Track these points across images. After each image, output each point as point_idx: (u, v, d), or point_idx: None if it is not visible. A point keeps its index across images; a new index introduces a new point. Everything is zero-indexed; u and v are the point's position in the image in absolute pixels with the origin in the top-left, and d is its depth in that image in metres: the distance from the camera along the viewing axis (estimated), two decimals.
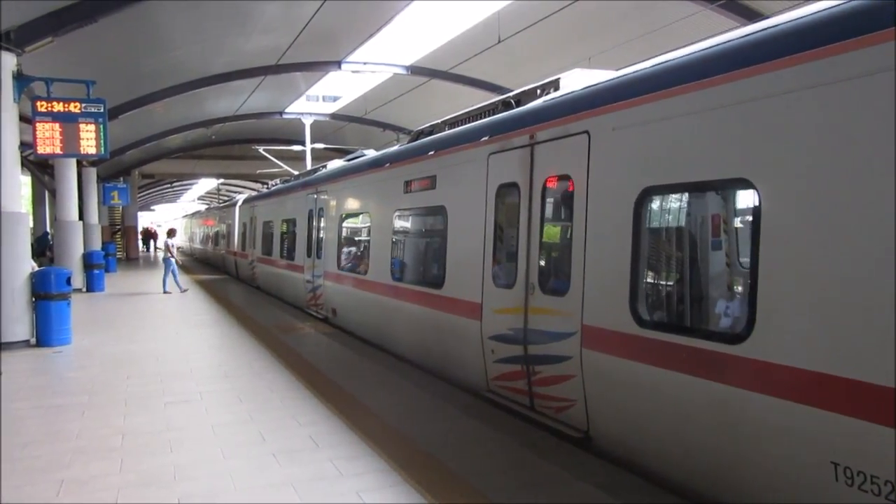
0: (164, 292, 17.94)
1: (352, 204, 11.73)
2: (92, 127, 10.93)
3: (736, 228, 4.63)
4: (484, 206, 6.88)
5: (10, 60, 9.92)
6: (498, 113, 7.44)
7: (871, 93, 3.30)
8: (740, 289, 4.55)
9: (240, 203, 25.19)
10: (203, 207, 52.98)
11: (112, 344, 10.18)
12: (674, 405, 4.37)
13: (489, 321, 6.63)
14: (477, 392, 6.89)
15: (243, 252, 22.75)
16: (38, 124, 10.64)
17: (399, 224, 9.40)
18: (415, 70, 20.55)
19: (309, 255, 13.86)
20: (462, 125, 8.26)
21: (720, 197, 4.59)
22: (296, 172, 20.84)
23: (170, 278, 18.27)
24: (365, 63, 20.03)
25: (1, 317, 9.71)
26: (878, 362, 3.14)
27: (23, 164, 12.31)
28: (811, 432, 3.46)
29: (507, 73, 19.45)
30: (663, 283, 5.01)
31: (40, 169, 24.55)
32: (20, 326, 9.94)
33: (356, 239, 11.75)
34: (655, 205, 4.89)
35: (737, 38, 4.35)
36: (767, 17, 4.52)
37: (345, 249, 11.94)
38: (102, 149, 11.06)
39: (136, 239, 41.95)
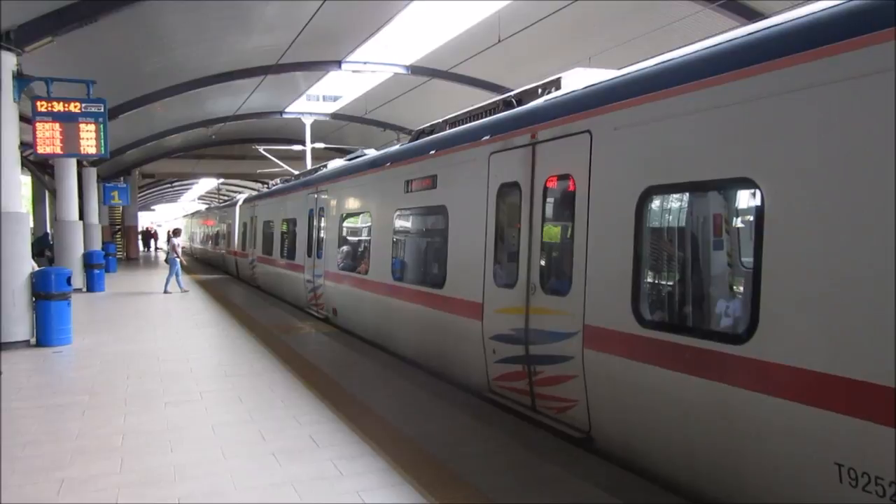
0: (165, 292, 17.94)
1: (352, 203, 11.72)
2: (92, 127, 10.92)
3: (738, 228, 4.62)
4: (485, 206, 6.86)
5: (10, 60, 9.91)
6: (499, 112, 7.42)
7: (874, 92, 3.28)
8: (743, 289, 4.54)
9: (240, 203, 25.19)
10: (203, 207, 53.00)
11: (112, 344, 10.16)
12: (676, 406, 4.35)
13: (490, 321, 6.62)
14: (478, 392, 6.88)
15: (243, 252, 22.75)
16: (38, 124, 10.63)
17: (400, 224, 9.39)
18: (415, 70, 20.55)
19: (309, 255, 13.85)
20: (463, 124, 8.25)
21: (723, 196, 4.58)
22: (296, 172, 20.83)
23: (172, 279, 18.32)
24: (365, 63, 20.04)
25: (1, 317, 9.69)
26: (882, 363, 3.12)
27: (23, 164, 12.30)
28: (814, 433, 3.44)
29: (507, 72, 19.45)
30: (666, 282, 5.00)
31: (40, 169, 24.57)
32: (20, 326, 9.93)
33: (357, 238, 11.74)
34: (658, 204, 4.88)
35: (739, 37, 4.34)
36: (768, 17, 4.51)
37: (345, 249, 11.93)
38: (102, 149, 11.04)
39: (137, 239, 41.96)
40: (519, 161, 6.31)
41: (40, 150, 10.81)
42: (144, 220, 67.25)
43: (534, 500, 4.25)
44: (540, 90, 6.87)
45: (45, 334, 10.01)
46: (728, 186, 4.35)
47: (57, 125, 10.72)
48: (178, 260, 18.58)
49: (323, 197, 13.28)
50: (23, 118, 10.57)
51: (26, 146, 11.30)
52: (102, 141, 10.99)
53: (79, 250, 18.33)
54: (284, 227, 16.64)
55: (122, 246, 37.76)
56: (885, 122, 3.20)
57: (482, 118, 7.77)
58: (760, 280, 3.78)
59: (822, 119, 3.56)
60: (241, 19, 15.01)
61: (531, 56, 17.71)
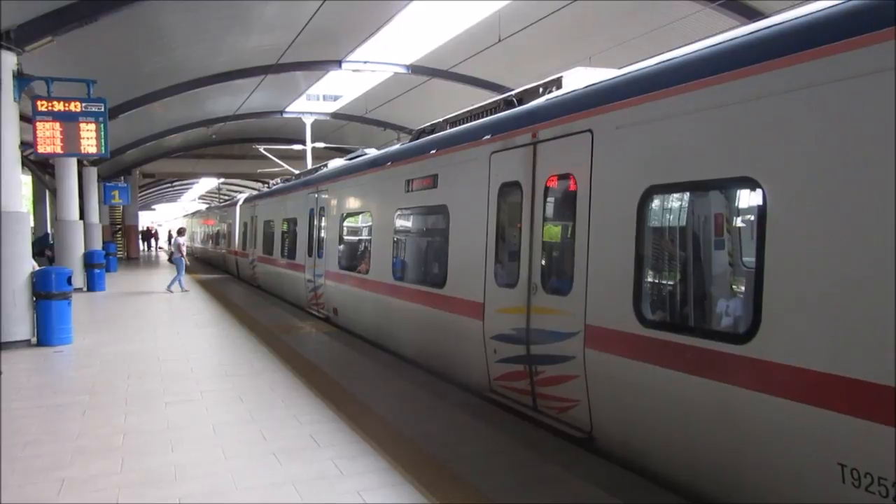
0: (168, 291, 18.07)
1: (353, 203, 11.71)
2: (92, 126, 10.91)
3: (740, 228, 4.61)
4: (486, 205, 6.85)
5: (10, 59, 9.90)
6: (500, 112, 7.42)
7: (874, 91, 3.28)
8: (745, 288, 4.53)
9: (240, 202, 25.19)
10: (204, 207, 53.01)
11: (113, 343, 10.16)
12: (678, 405, 4.34)
13: (491, 321, 6.61)
14: (479, 392, 6.87)
15: (244, 251, 22.75)
16: (38, 123, 10.62)
17: (400, 223, 9.38)
18: (415, 69, 20.54)
19: (310, 255, 13.85)
20: (463, 124, 8.24)
21: (724, 196, 4.57)
22: (296, 172, 20.83)
23: (184, 276, 18.46)
24: (365, 62, 20.03)
25: (1, 316, 9.69)
26: (885, 363, 3.11)
27: (23, 164, 12.28)
28: (816, 433, 3.43)
29: (507, 72, 19.44)
30: (667, 282, 4.99)
31: (41, 168, 24.55)
32: (21, 326, 9.92)
33: (357, 238, 11.73)
34: (659, 204, 4.87)
35: (739, 37, 4.33)
36: (768, 16, 4.50)
37: (346, 249, 11.92)
38: (103, 148, 11.03)
39: (137, 238, 41.97)
40: (520, 160, 6.30)
41: (41, 149, 10.80)
42: (145, 219, 67.32)
43: (534, 500, 4.24)
44: (541, 89, 6.87)
45: (45, 334, 10.01)
46: (729, 186, 4.34)
47: (57, 125, 10.71)
48: (183, 260, 18.64)
49: (323, 196, 13.27)
50: (23, 118, 10.56)
51: (27, 146, 11.29)
52: (103, 140, 10.98)
53: (79, 250, 18.33)
54: (285, 227, 16.64)
55: (122, 245, 37.77)
56: (886, 122, 3.19)
57: (483, 117, 7.76)
58: (762, 280, 3.77)
59: (823, 118, 3.55)
60: (241, 19, 15.01)
61: (531, 55, 17.70)
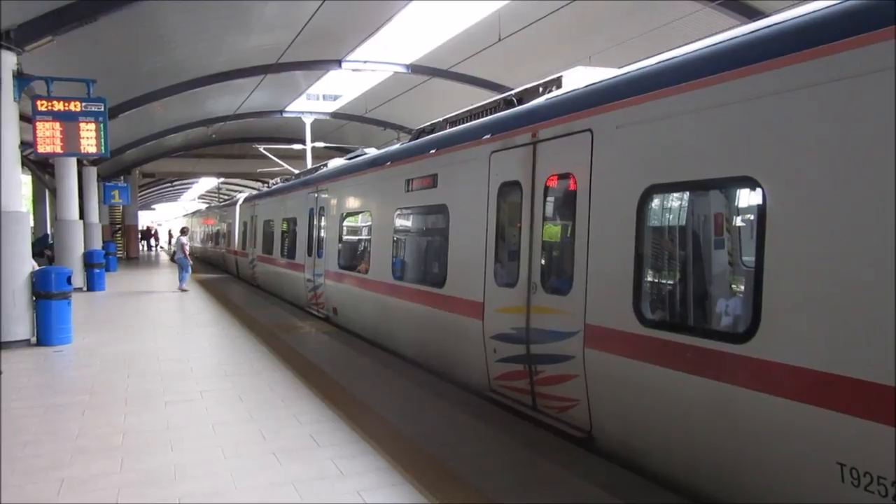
0: (182, 290, 18.28)
1: (353, 203, 11.71)
2: (92, 126, 10.90)
3: (740, 227, 4.61)
4: (486, 205, 6.85)
5: (10, 59, 9.90)
6: (500, 111, 7.42)
7: (874, 90, 3.28)
8: (744, 288, 4.53)
9: (240, 202, 25.19)
10: (203, 206, 53.00)
11: (112, 343, 10.16)
12: (677, 405, 4.35)
13: (491, 320, 6.61)
14: (479, 391, 6.87)
15: (244, 251, 22.74)
16: (38, 123, 10.62)
17: (400, 223, 9.38)
18: (415, 69, 20.54)
19: (310, 254, 13.85)
20: (463, 123, 8.24)
21: (724, 195, 4.57)
22: (296, 171, 20.83)
23: (187, 275, 18.56)
24: (365, 62, 20.03)
25: (1, 316, 9.69)
26: (885, 362, 3.12)
27: (23, 163, 12.28)
28: (816, 432, 3.44)
29: (507, 71, 19.44)
30: (667, 282, 4.99)
31: (41, 168, 24.55)
32: (21, 326, 9.92)
33: (357, 238, 11.73)
34: (659, 203, 4.87)
35: (741, 36, 4.33)
36: (768, 16, 4.50)
37: (346, 248, 11.92)
38: (103, 148, 11.03)
39: (137, 238, 41.98)
40: (520, 160, 6.30)
41: (40, 149, 10.80)
42: (145, 219, 67.33)
43: (534, 500, 4.24)
44: (541, 89, 6.87)
45: (45, 334, 10.01)
46: (729, 185, 4.34)
47: (57, 124, 10.71)
48: (187, 259, 18.71)
49: (323, 196, 13.27)
50: (23, 117, 10.56)
51: (26, 145, 11.29)
52: (103, 140, 10.98)
53: (79, 249, 18.33)
54: (285, 227, 16.64)
55: (122, 245, 37.77)
56: (885, 121, 3.19)
57: (483, 117, 7.76)
58: (762, 279, 3.78)
59: (823, 118, 3.55)
60: (241, 18, 15.00)
61: (531, 55, 17.70)
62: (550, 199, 5.99)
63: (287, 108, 27.21)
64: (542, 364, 5.78)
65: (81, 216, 19.45)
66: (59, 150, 10.93)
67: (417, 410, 6.30)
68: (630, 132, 4.95)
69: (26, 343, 9.96)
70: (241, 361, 8.69)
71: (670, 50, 5.17)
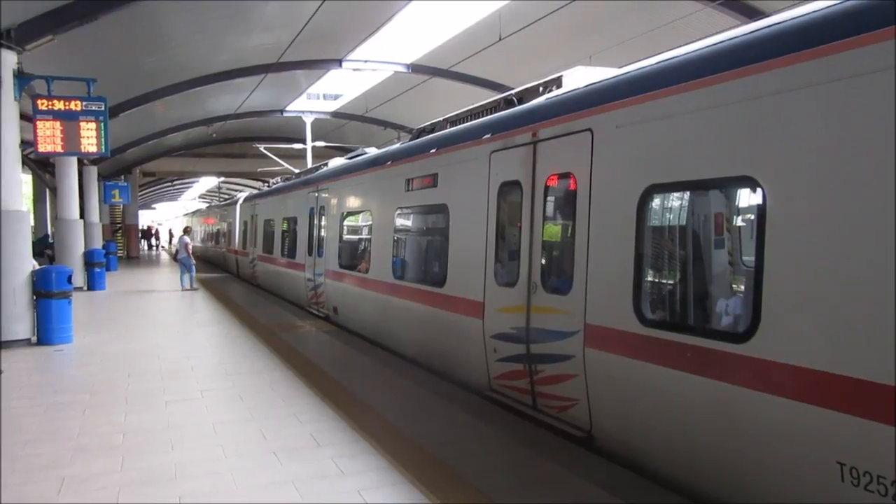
0: (193, 288, 18.44)
1: (353, 202, 11.71)
2: (93, 125, 10.90)
3: (740, 227, 4.61)
4: (486, 205, 6.86)
5: (10, 58, 9.90)
6: (500, 111, 7.42)
7: (874, 90, 3.28)
8: (744, 287, 4.53)
9: (241, 201, 25.19)
10: (204, 206, 53.02)
11: (113, 342, 10.17)
12: (677, 405, 4.35)
13: (491, 320, 6.61)
14: (479, 391, 6.88)
15: (244, 250, 22.75)
16: (38, 122, 10.61)
17: (400, 222, 9.38)
18: (416, 68, 20.53)
19: (310, 254, 13.85)
20: (464, 123, 8.24)
21: (724, 195, 4.57)
22: (297, 171, 20.82)
23: (186, 276, 18.68)
24: (366, 61, 20.01)
25: (2, 315, 9.69)
26: (885, 361, 3.12)
27: (24, 163, 12.29)
28: (816, 432, 3.44)
29: (507, 71, 19.43)
30: (667, 281, 4.99)
31: (41, 167, 24.57)
32: (21, 325, 9.93)
33: (357, 237, 11.73)
34: (659, 203, 4.87)
35: (739, 36, 4.33)
36: (768, 15, 4.50)
37: (346, 248, 11.92)
38: (103, 147, 11.03)
39: (138, 237, 42.01)
40: (520, 159, 6.30)
41: (41, 148, 10.79)
42: (145, 218, 67.37)
43: (534, 499, 4.25)
44: (541, 88, 6.87)
45: (45, 333, 10.01)
46: (729, 185, 4.34)
47: (58, 123, 10.70)
48: (190, 259, 18.77)
49: (323, 195, 13.27)
50: (23, 116, 10.57)
51: (27, 144, 11.30)
52: (103, 139, 10.97)
53: (79, 249, 18.34)
54: (285, 226, 16.64)
55: (122, 244, 37.79)
56: (885, 121, 3.19)
57: (483, 117, 7.77)
58: (762, 279, 3.78)
59: (823, 117, 3.55)
60: (242, 18, 15.00)
61: (532, 55, 17.69)
62: (551, 198, 5.99)
63: (287, 108, 27.20)
64: (543, 363, 5.79)
65: (82, 215, 19.46)
66: (59, 149, 10.93)
67: (418, 410, 6.31)
68: (630, 132, 4.95)
69: (27, 342, 9.97)
70: (242, 360, 8.69)
71: (671, 50, 5.17)
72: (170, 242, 61.16)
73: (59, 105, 10.72)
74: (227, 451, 5.22)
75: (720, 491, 4.12)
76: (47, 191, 28.01)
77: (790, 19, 3.98)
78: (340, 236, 12.00)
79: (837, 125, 3.46)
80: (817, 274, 3.51)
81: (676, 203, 4.86)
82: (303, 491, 4.42)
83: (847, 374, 3.30)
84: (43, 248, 23.54)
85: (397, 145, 11.24)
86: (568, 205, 5.67)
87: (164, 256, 41.62)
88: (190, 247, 19.18)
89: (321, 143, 28.89)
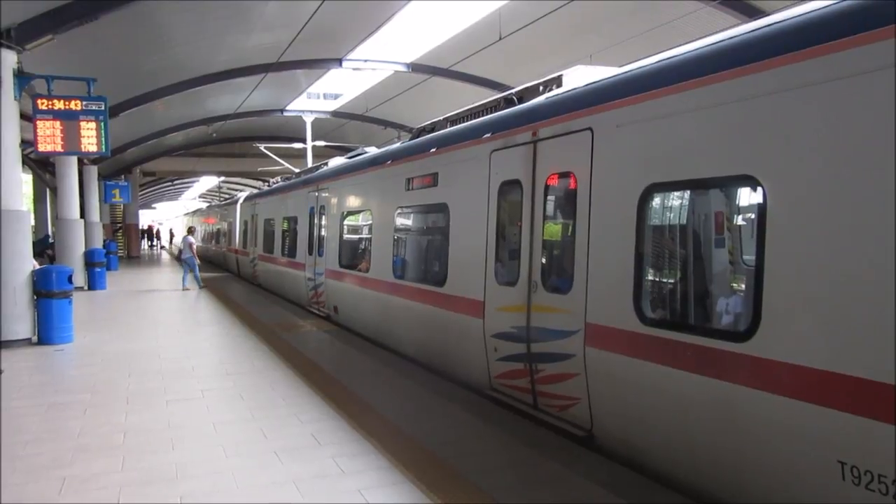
0: (200, 287, 18.53)
1: (353, 201, 11.71)
2: (93, 125, 10.90)
3: (740, 226, 4.61)
4: (486, 204, 6.85)
5: (10, 58, 9.90)
6: (500, 110, 7.41)
7: (874, 89, 3.27)
8: (745, 286, 4.53)
9: (241, 201, 25.19)
10: (204, 205, 53.03)
11: (114, 342, 10.17)
12: (678, 403, 4.35)
13: (492, 319, 6.61)
14: (479, 390, 6.88)
15: (244, 250, 22.75)
16: (38, 122, 10.61)
17: (401, 221, 9.38)
18: (416, 67, 20.52)
19: (310, 253, 13.85)
20: (464, 122, 8.24)
21: (725, 194, 4.57)
22: (297, 170, 20.82)
23: (189, 275, 18.74)
24: (366, 60, 19.99)
25: (2, 315, 9.70)
26: (885, 360, 3.12)
27: (24, 162, 12.29)
28: (817, 431, 3.44)
29: (508, 70, 19.42)
30: (667, 280, 4.99)
31: (41, 167, 24.58)
32: (22, 324, 9.94)
33: (358, 236, 11.73)
34: (660, 202, 4.87)
35: (740, 35, 4.33)
36: (768, 14, 4.50)
37: (346, 247, 11.92)
38: (103, 146, 11.03)
39: (138, 237, 42.06)
40: (520, 159, 6.30)
41: (41, 148, 10.79)
42: (145, 218, 67.43)
43: (535, 499, 4.25)
44: (541, 88, 6.86)
45: (46, 332, 10.02)
46: (730, 184, 4.34)
47: (58, 123, 10.70)
48: (194, 258, 18.81)
49: (324, 195, 13.27)
50: (23, 116, 10.56)
51: (27, 144, 11.29)
52: (103, 139, 10.97)
53: (80, 248, 18.34)
54: (285, 225, 16.64)
55: (123, 244, 37.80)
56: (885, 120, 3.19)
57: (483, 116, 7.76)
58: (762, 278, 3.78)
59: (823, 116, 3.55)
60: (242, 17, 15.00)
61: (532, 54, 17.68)
62: (551, 197, 5.99)
63: (288, 107, 27.19)
64: (543, 363, 5.79)
65: (82, 215, 19.46)
66: (59, 148, 10.93)
67: (418, 409, 6.31)
68: (630, 131, 4.95)
69: (27, 342, 9.97)
70: (242, 360, 8.69)
71: (671, 49, 5.17)
72: (170, 242, 61.24)
73: (59, 105, 10.72)
74: (227, 450, 5.22)
75: (721, 490, 4.12)
76: (47, 190, 28.03)
77: (790, 18, 3.98)
78: (341, 236, 12.00)
79: (837, 124, 3.46)
80: (818, 273, 3.51)
81: (677, 202, 4.86)
82: (304, 490, 4.42)
83: (847, 372, 3.30)
84: (43, 247, 23.56)
85: (397, 145, 11.24)
86: (568, 204, 5.66)
87: (165, 256, 41.64)
88: (194, 246, 19.22)
89: (321, 143, 28.89)
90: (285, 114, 27.57)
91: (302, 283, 14.44)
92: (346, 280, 11.45)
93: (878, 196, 3.22)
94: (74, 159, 18.03)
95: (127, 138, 24.41)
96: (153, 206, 79.89)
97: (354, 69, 20.47)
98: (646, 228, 4.77)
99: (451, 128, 8.47)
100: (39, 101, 10.63)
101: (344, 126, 29.70)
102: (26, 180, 24.80)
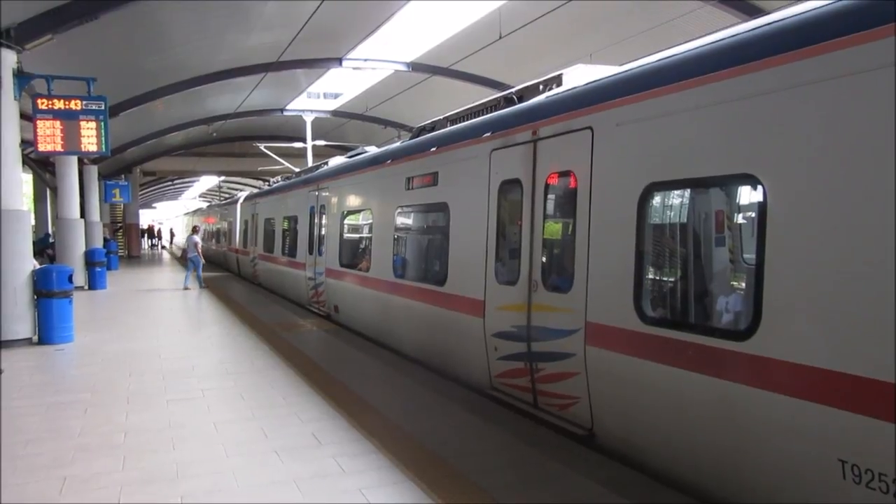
0: (202, 287, 18.51)
1: (353, 201, 11.71)
2: (93, 124, 10.90)
3: (741, 224, 4.61)
4: (486, 203, 6.85)
5: (10, 57, 9.90)
6: (500, 109, 7.41)
7: (873, 88, 3.27)
8: (745, 285, 4.53)
9: (241, 200, 25.19)
10: (204, 205, 53.06)
11: (114, 341, 10.17)
12: (678, 402, 4.35)
13: (492, 318, 6.61)
14: (480, 389, 6.88)
15: (245, 249, 22.76)
16: (38, 122, 10.61)
17: (401, 221, 9.38)
18: (416, 67, 20.51)
19: (311, 252, 13.85)
20: (464, 121, 8.24)
21: (725, 193, 4.57)
22: (297, 169, 20.82)
23: (192, 274, 18.79)
24: (366, 60, 19.99)
25: (2, 315, 9.70)
26: (885, 359, 3.11)
27: (24, 162, 12.28)
28: (817, 429, 3.44)
29: (508, 69, 19.41)
30: (668, 279, 4.98)
31: (41, 166, 24.59)
32: (22, 324, 9.94)
33: (358, 236, 11.73)
34: (660, 201, 4.87)
35: (740, 34, 4.33)
36: (769, 13, 4.49)
37: (347, 246, 11.92)
38: (103, 146, 11.03)
39: (138, 236, 42.09)
40: (520, 158, 6.29)
41: (41, 147, 10.79)
42: (146, 217, 67.49)
43: (536, 498, 4.25)
44: (541, 87, 6.86)
45: (46, 332, 10.02)
46: (730, 183, 4.34)
47: (58, 123, 10.70)
48: (199, 257, 18.83)
49: (324, 194, 13.27)
50: (23, 116, 10.56)
51: (27, 144, 11.29)
52: (103, 138, 10.97)
53: (80, 248, 18.35)
54: (286, 225, 16.65)
55: (123, 243, 37.81)
56: (885, 118, 3.19)
57: (483, 115, 7.76)
58: (763, 277, 3.77)
59: (823, 115, 3.54)
60: (242, 17, 14.99)
61: (532, 53, 17.68)
62: (551, 196, 5.99)
63: (288, 107, 27.19)
64: (544, 361, 5.78)
65: (82, 215, 19.46)
66: (59, 148, 10.93)
67: (419, 408, 6.31)
68: (630, 130, 4.95)
69: (28, 342, 9.97)
70: (243, 360, 8.69)
71: (671, 47, 5.16)
72: (171, 242, 61.29)
73: (59, 104, 10.71)
74: (228, 450, 5.22)
75: (721, 489, 4.12)
76: (48, 190, 28.05)
77: (789, 17, 3.97)
78: (341, 235, 12.00)
79: (837, 122, 3.46)
80: (818, 271, 3.51)
81: (677, 201, 4.85)
82: (304, 490, 4.42)
83: (848, 371, 3.29)
84: (43, 246, 23.57)
85: (397, 144, 11.24)
86: (568, 203, 5.66)
87: (165, 255, 41.64)
88: (200, 246, 19.25)
89: (321, 142, 28.89)
90: (285, 113, 27.57)
91: (302, 283, 14.44)
92: (347, 279, 11.45)
93: (878, 194, 3.22)
94: (74, 159, 18.04)
95: (127, 138, 24.41)
96: (153, 205, 79.91)
97: (354, 68, 20.46)
98: (646, 227, 4.76)
99: (452, 127, 8.47)
100: (39, 101, 10.63)
101: (344, 125, 29.70)
102: (26, 180, 24.82)
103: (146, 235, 53.09)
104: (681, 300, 4.79)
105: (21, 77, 10.09)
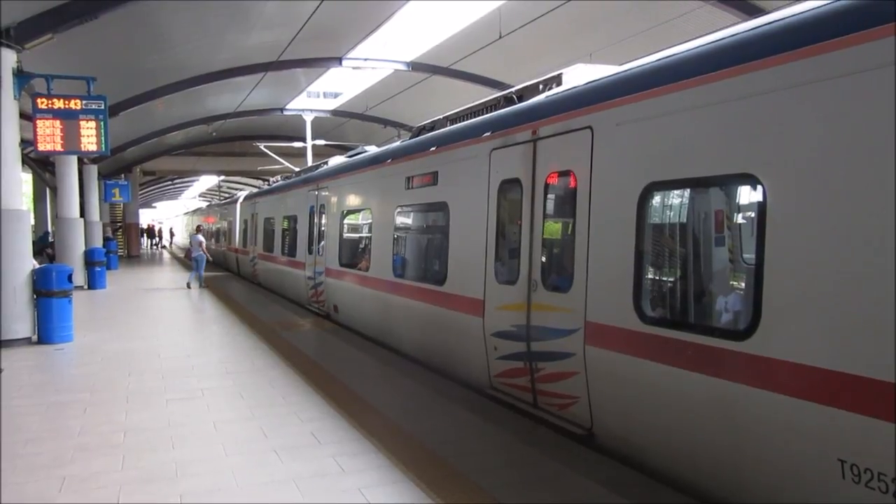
0: (201, 287, 18.48)
1: (353, 200, 11.71)
2: (93, 124, 10.90)
3: (740, 224, 4.61)
4: (486, 203, 6.85)
5: (10, 57, 9.89)
6: (500, 108, 7.41)
7: (873, 87, 3.27)
8: (745, 285, 4.53)
9: (241, 200, 25.19)
10: (204, 204, 53.07)
11: (114, 341, 10.17)
12: (678, 402, 4.35)
13: (492, 318, 6.61)
14: (479, 389, 6.88)
15: (244, 249, 22.75)
16: (38, 121, 10.61)
17: (401, 220, 9.38)
18: (416, 66, 20.51)
19: (310, 252, 13.85)
20: (464, 121, 8.24)
21: (725, 193, 4.57)
22: (297, 169, 20.81)
23: (194, 273, 18.79)
24: (366, 59, 19.98)
25: (2, 314, 9.69)
26: (885, 358, 3.11)
27: (24, 162, 12.28)
28: (817, 429, 3.44)
29: (508, 69, 19.41)
30: (667, 279, 4.98)
31: (41, 166, 24.59)
32: (22, 324, 9.94)
33: (358, 235, 11.73)
34: (659, 200, 4.87)
35: (740, 33, 4.33)
36: (769, 13, 4.49)
37: (346, 246, 11.92)
38: (103, 146, 11.02)
39: (138, 236, 42.12)
40: (520, 157, 6.29)
41: (41, 147, 10.79)
42: (145, 217, 67.53)
43: (535, 497, 4.25)
44: (541, 86, 6.86)
45: (46, 331, 10.02)
46: (730, 182, 4.34)
47: (58, 122, 10.70)
48: (203, 256, 18.86)
49: (324, 194, 13.27)
50: (23, 115, 10.56)
51: (27, 143, 11.28)
52: (103, 138, 10.97)
53: (80, 247, 18.34)
54: (285, 224, 16.65)
55: (123, 243, 37.81)
56: (885, 118, 3.19)
57: (483, 114, 7.76)
58: (762, 276, 3.78)
59: (823, 114, 3.54)
60: (242, 16, 14.99)
61: (532, 52, 17.68)
62: (551, 196, 5.99)
63: (287, 106, 27.18)
64: (543, 361, 5.79)
65: (82, 214, 19.46)
66: (59, 148, 10.93)
67: (418, 408, 6.31)
68: (630, 129, 4.95)
69: (27, 341, 9.97)
70: (242, 359, 8.69)
71: (671, 47, 5.16)
72: (171, 242, 61.32)
73: (58, 104, 10.71)
74: (227, 449, 5.22)
75: (721, 488, 4.12)
76: (47, 190, 28.04)
77: (789, 16, 3.97)
78: (341, 234, 12.00)
79: (837, 122, 3.46)
80: (818, 271, 3.51)
81: (677, 201, 4.85)
82: (304, 489, 4.42)
83: (847, 371, 3.29)
84: (43, 246, 23.56)
85: (397, 143, 11.23)
86: (568, 202, 5.66)
87: (166, 255, 41.64)
88: (204, 244, 19.28)
89: (321, 142, 28.89)
90: (285, 113, 27.56)
91: (302, 282, 14.44)
92: (346, 279, 11.45)
93: (877, 194, 3.22)
94: (74, 158, 18.04)
95: (127, 137, 24.40)
96: (153, 205, 79.93)
97: (354, 68, 20.45)
98: (646, 227, 4.76)
99: (451, 126, 8.47)
100: (39, 101, 10.62)
101: (344, 125, 29.70)
102: (26, 179, 24.83)
103: (146, 235, 53.17)
104: (680, 300, 4.79)
105: (21, 76, 10.09)
